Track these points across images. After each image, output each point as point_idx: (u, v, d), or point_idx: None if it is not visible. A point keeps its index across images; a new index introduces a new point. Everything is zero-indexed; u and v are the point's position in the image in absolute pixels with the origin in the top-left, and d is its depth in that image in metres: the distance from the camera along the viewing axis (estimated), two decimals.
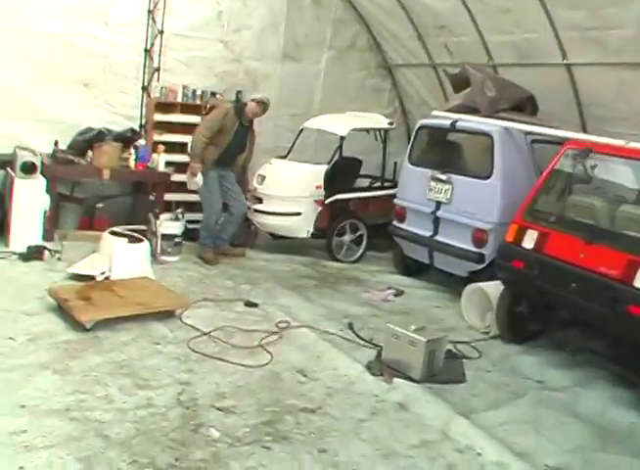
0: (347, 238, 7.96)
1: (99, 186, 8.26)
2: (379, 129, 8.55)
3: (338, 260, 7.90)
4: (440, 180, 6.77)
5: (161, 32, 8.67)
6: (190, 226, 8.07)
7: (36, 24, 7.97)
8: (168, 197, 8.34)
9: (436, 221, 6.85)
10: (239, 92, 9.02)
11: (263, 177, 7.83)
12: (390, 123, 8.59)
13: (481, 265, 6.47)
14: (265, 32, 9.37)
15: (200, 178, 7.17)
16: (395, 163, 9.04)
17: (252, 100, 7.45)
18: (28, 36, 7.92)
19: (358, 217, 8.08)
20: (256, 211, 7.83)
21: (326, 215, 7.83)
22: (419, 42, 9.30)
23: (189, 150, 7.35)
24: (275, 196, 7.71)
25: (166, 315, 5.46)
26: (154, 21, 8.63)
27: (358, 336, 5.54)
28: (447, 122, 6.92)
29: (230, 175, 7.50)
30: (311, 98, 9.89)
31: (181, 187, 7.91)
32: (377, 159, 8.95)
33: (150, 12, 8.60)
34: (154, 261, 6.96)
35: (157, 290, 5.80)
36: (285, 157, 8.31)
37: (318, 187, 7.74)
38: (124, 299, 5.43)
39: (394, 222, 7.41)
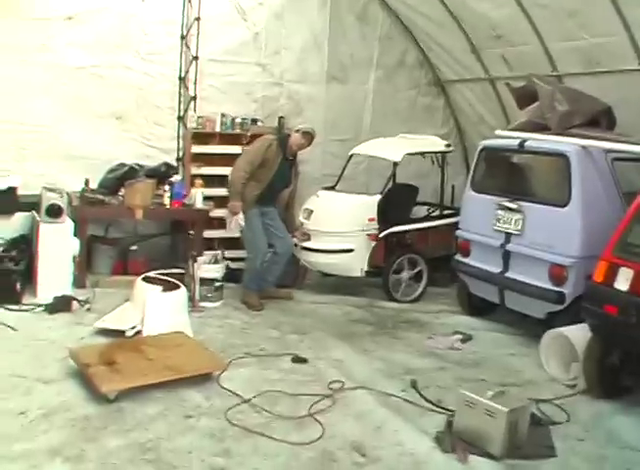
0: (406, 275, 7.17)
1: (135, 226, 7.72)
2: (435, 153, 7.77)
3: (395, 300, 7.11)
4: (509, 209, 5.94)
5: (196, 58, 8.11)
6: (233, 265, 7.46)
7: (64, 58, 7.53)
8: (209, 234, 7.74)
9: (507, 256, 6.01)
10: (281, 118, 8.40)
11: (310, 211, 7.13)
12: (448, 146, 7.81)
13: (561, 306, 5.60)
14: (307, 53, 8.72)
15: (241, 218, 6.52)
16: (453, 186, 8.33)
17: (297, 131, 6.79)
18: (56, 70, 7.49)
19: (417, 251, 7.28)
20: (304, 248, 7.14)
21: (381, 251, 7.06)
22: (473, 55, 8.52)
23: (228, 186, 6.70)
24: (324, 231, 7.00)
25: (202, 378, 4.77)
26: (187, 47, 8.08)
27: (423, 397, 4.74)
28: (514, 143, 6.09)
29: (273, 212, 6.85)
30: (360, 121, 9.19)
31: (223, 223, 7.27)
32: (433, 184, 8.29)
33: (183, 38, 8.06)
34: (192, 309, 6.32)
35: (191, 348, 5.12)
36: (333, 187, 7.61)
37: (371, 220, 7.00)
38: (154, 362, 4.76)
39: (458, 257, 6.60)
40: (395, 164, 7.19)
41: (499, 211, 6.04)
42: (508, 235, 5.98)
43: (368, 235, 6.95)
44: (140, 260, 7.29)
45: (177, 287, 6.09)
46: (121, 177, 6.89)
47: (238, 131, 8.13)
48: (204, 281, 6.48)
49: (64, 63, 7.50)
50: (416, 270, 7.21)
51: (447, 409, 4.50)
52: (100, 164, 7.50)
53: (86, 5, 7.56)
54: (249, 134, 8.00)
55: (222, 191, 7.51)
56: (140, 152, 7.94)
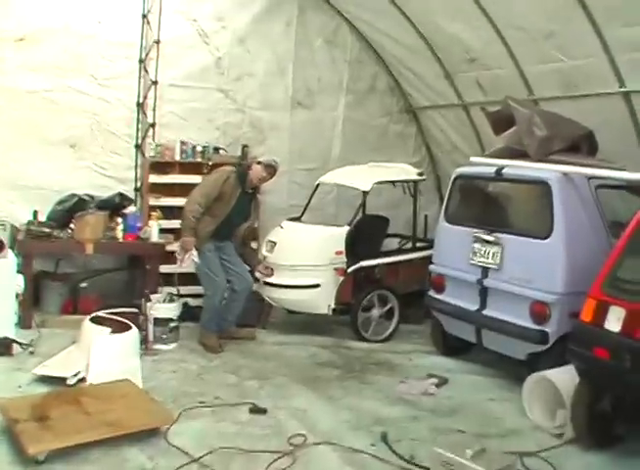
0: (376, 313, 6.69)
1: (88, 261, 7.20)
2: (407, 181, 7.37)
3: (365, 340, 6.62)
4: (486, 241, 5.53)
5: (155, 83, 7.69)
6: (192, 302, 6.96)
7: (14, 81, 7.11)
8: (168, 268, 7.22)
9: (484, 292, 5.59)
10: (245, 147, 7.97)
11: (273, 244, 6.66)
12: (420, 174, 7.41)
13: (544, 347, 5.17)
14: (271, 78, 8.34)
15: (195, 255, 6.03)
16: (426, 217, 7.97)
17: (259, 163, 6.32)
18: (6, 94, 7.07)
19: (387, 287, 6.81)
20: (267, 284, 6.65)
21: (349, 287, 6.59)
22: (446, 80, 8.17)
23: (181, 220, 6.20)
24: (288, 266, 6.52)
25: (148, 434, 4.24)
26: (146, 71, 7.67)
27: (395, 453, 4.24)
28: (491, 170, 5.69)
29: (229, 246, 6.38)
30: (328, 149, 8.79)
31: None
32: (405, 214, 7.88)
33: (141, 61, 7.63)
34: (145, 352, 5.81)
35: (137, 399, 4.59)
36: (299, 218, 7.17)
37: (339, 253, 6.54)
38: (92, 416, 4.22)
39: (431, 293, 6.17)
40: (365, 193, 6.79)
41: (475, 244, 5.63)
42: (485, 269, 5.56)
43: (335, 269, 6.51)
44: (92, 298, 6.75)
45: (128, 328, 5.60)
46: (70, 209, 6.38)
47: (199, 160, 7.70)
48: (158, 321, 5.96)
49: (14, 86, 7.08)
50: (387, 307, 6.75)
51: (421, 467, 4.02)
52: (52, 195, 7.04)
53: (39, 25, 7.14)
54: (210, 163, 7.57)
55: None
56: (95, 182, 7.48)
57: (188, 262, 5.98)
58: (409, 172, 7.33)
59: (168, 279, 7.29)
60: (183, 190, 7.33)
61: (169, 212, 7.54)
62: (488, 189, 6.02)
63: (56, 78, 7.22)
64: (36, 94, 7.16)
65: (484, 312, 5.59)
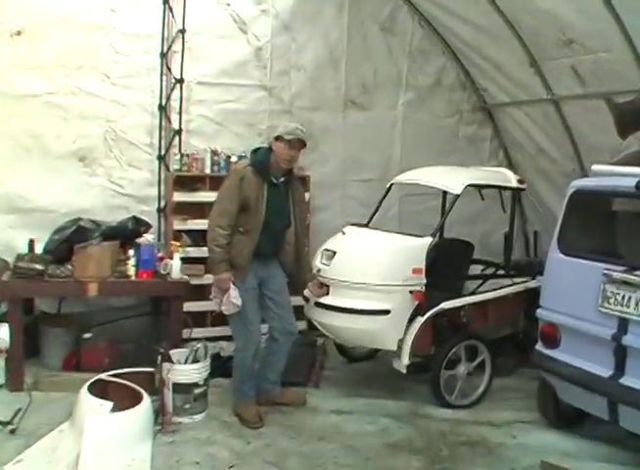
0: (463, 369, 5.11)
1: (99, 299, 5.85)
2: (504, 188, 5.76)
3: (449, 405, 5.05)
4: (625, 283, 3.96)
5: (181, 82, 6.34)
6: (226, 349, 5.59)
7: (10, 83, 5.85)
8: (199, 306, 5.91)
9: (622, 352, 3.99)
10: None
11: (331, 254, 5.10)
12: (521, 181, 5.78)
13: None
14: (322, 72, 6.94)
15: (234, 295, 4.55)
16: (506, 236, 6.38)
17: (277, 138, 4.65)
18: (1, 100, 5.79)
19: (476, 334, 5.24)
20: (319, 305, 5.07)
21: (427, 335, 5.04)
22: (532, 69, 6.64)
23: (208, 255, 4.77)
24: (349, 283, 4.92)
25: None
26: (169, 67, 6.31)
27: None
28: (628, 183, 4.09)
29: (275, 275, 4.85)
30: (387, 156, 7.35)
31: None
32: (480, 232, 6.86)
33: (163, 55, 6.29)
34: (161, 428, 4.41)
35: None
36: (366, 225, 5.65)
37: (417, 271, 4.92)
38: None
39: (539, 346, 4.61)
40: (456, 196, 5.25)
41: (608, 286, 4.05)
42: (624, 322, 3.97)
43: (411, 292, 4.93)
44: (100, 350, 5.37)
45: (138, 399, 4.22)
46: (70, 239, 5.01)
47: None
48: (179, 387, 4.54)
49: (10, 89, 5.83)
50: (477, 361, 5.19)
51: None
52: (58, 219, 5.76)
53: (39, 16, 5.88)
54: None
55: None
56: (110, 202, 6.23)
57: (228, 306, 4.54)
58: (507, 178, 5.73)
59: (200, 320, 6.04)
60: None
61: (199, 237, 6.18)
62: (624, 209, 4.43)
63: (60, 78, 5.98)
64: (37, 98, 5.92)
65: (622, 381, 4.00)
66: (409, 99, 7.41)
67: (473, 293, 5.37)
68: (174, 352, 4.73)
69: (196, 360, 4.68)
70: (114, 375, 4.57)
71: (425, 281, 4.90)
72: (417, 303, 4.91)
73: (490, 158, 7.90)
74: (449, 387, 5.06)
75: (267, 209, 4.56)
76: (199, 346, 4.70)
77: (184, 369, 4.56)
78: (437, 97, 7.57)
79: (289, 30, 6.68)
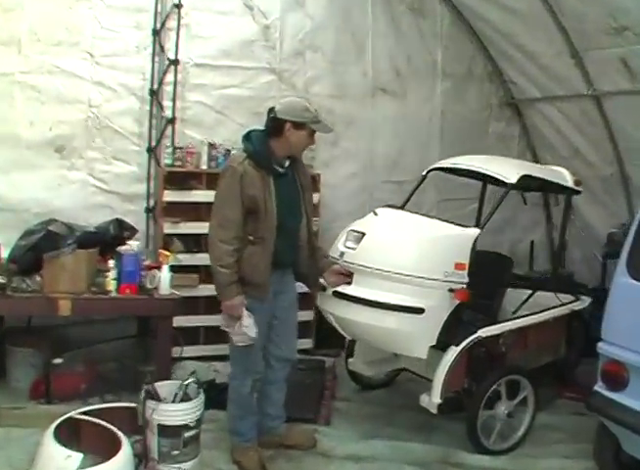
0: (503, 409, 4.30)
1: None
2: (559, 188, 4.95)
3: (486, 451, 4.27)
4: None
5: (175, 63, 5.54)
6: (222, 372, 4.84)
7: None
8: (192, 321, 5.18)
9: None
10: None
11: (360, 235, 4.21)
12: (577, 183, 4.93)
13: None
14: (344, 55, 6.13)
15: (249, 324, 3.67)
16: (532, 244, 6.28)
17: (297, 126, 3.70)
18: None
19: (519, 368, 4.45)
20: (338, 295, 4.15)
21: (461, 368, 4.23)
22: (572, 60, 5.87)
23: (214, 278, 3.76)
24: (378, 271, 4.03)
25: None
26: (162, 47, 5.51)
27: None
28: None
29: (288, 288, 4.00)
30: (424, 153, 6.47)
31: (211, 304, 4.66)
32: (509, 241, 6.38)
33: (156, 32, 5.49)
34: None
35: None
36: (401, 208, 4.82)
37: (460, 267, 4.07)
38: None
39: (600, 388, 3.84)
40: (511, 186, 4.42)
41: None
42: None
43: (451, 291, 4.06)
44: (76, 374, 4.58)
45: (116, 446, 3.43)
46: (37, 246, 4.19)
47: None
48: (166, 430, 3.74)
49: None
50: (518, 399, 4.42)
51: None
52: (30, 220, 4.88)
53: None
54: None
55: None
56: (92, 200, 5.47)
57: (241, 337, 3.71)
58: (564, 177, 4.88)
59: (194, 335, 5.38)
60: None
61: (193, 243, 5.43)
62: None
63: (35, 56, 5.18)
64: (7, 77, 5.12)
65: None
66: (445, 89, 6.62)
67: (514, 317, 4.59)
68: (161, 386, 3.92)
69: (187, 397, 3.89)
70: (88, 412, 3.78)
71: (467, 280, 4.07)
72: (457, 303, 4.05)
73: (518, 158, 7.07)
74: (486, 429, 4.23)
75: (279, 207, 3.69)
76: (190, 380, 3.90)
77: (172, 409, 3.74)
78: (471, 89, 6.79)
79: (302, 6, 5.89)
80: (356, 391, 5.17)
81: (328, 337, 5.93)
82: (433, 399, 4.11)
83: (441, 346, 4.17)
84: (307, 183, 4.00)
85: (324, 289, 4.21)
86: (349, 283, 4.11)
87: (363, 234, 4.19)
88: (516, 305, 4.79)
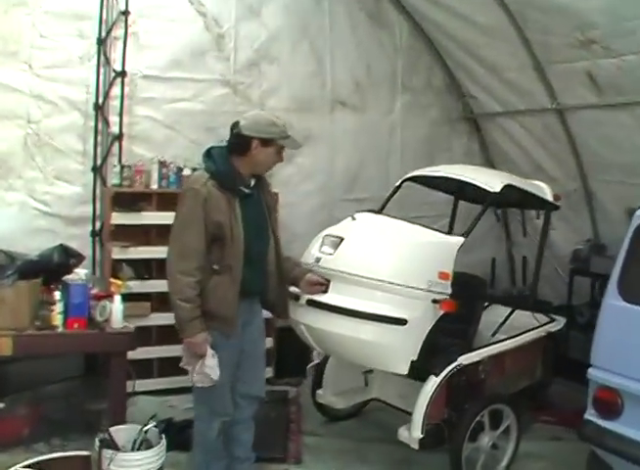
0: (487, 440, 4.02)
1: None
2: (541, 202, 4.71)
3: None
4: None
5: (122, 75, 5.15)
6: (183, 411, 4.46)
7: None
8: (143, 353, 4.73)
9: None
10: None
11: (337, 240, 3.88)
12: (557, 198, 4.75)
13: None
14: (301, 66, 5.86)
15: (212, 364, 3.30)
16: (494, 260, 6.15)
17: (265, 142, 3.37)
18: None
19: (503, 396, 4.20)
20: (313, 304, 3.79)
21: (441, 398, 3.98)
22: (535, 73, 5.72)
23: (174, 314, 3.35)
24: (358, 279, 3.70)
25: None
26: (107, 58, 5.12)
27: None
28: None
29: (256, 318, 3.63)
30: (385, 170, 6.24)
31: (165, 333, 4.60)
32: (480, 261, 6.05)
33: (101, 42, 5.10)
34: None
35: None
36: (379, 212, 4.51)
37: (444, 276, 3.82)
38: None
39: (592, 416, 3.62)
40: (495, 194, 4.19)
41: None
42: None
43: (435, 302, 3.79)
44: (18, 418, 4.11)
45: None
46: None
47: None
48: None
49: None
50: (501, 429, 4.17)
51: None
52: None
53: None
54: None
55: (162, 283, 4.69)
56: (32, 224, 5.02)
57: (202, 377, 3.33)
58: (544, 191, 4.71)
59: (145, 369, 4.96)
60: (164, 235, 4.90)
61: (143, 268, 5.05)
62: None
63: None
64: None
65: None
66: (405, 102, 6.39)
67: (493, 342, 4.35)
68: (117, 431, 3.52)
69: (147, 443, 3.48)
70: (35, 464, 3.34)
71: (450, 291, 3.81)
72: (440, 315, 3.79)
73: None
74: (470, 462, 3.96)
75: (246, 231, 3.34)
76: (150, 425, 3.50)
77: (132, 458, 3.36)
78: (431, 102, 6.57)
79: (257, 15, 5.58)
80: (323, 423, 4.85)
81: (288, 365, 5.67)
82: (413, 434, 3.83)
83: (416, 374, 3.91)
84: (273, 203, 3.71)
85: (297, 298, 3.85)
86: (325, 291, 3.77)
87: (341, 239, 3.87)
88: (489, 328, 4.56)
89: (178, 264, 3.25)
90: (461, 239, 3.97)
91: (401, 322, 3.68)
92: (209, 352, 3.28)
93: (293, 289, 3.82)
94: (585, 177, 5.95)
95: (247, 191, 3.41)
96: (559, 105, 5.73)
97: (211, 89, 5.52)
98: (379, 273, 3.70)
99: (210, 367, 3.27)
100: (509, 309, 4.69)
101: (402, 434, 3.92)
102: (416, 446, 3.83)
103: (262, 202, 3.55)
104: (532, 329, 4.59)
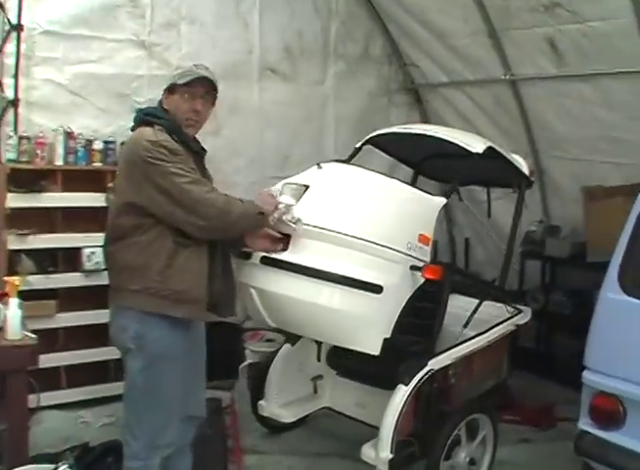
0: (464, 456, 3.51)
1: None
2: (519, 177, 4.25)
3: None
4: None
5: (18, 28, 4.28)
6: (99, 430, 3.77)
7: None
8: (48, 360, 3.97)
9: None
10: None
11: (302, 189, 3.17)
12: (532, 173, 4.36)
13: None
14: (226, 29, 5.14)
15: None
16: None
17: (169, 90, 2.84)
18: None
19: (480, 405, 3.68)
20: (269, 262, 3.06)
21: (410, 407, 3.41)
22: (490, 41, 5.27)
23: (230, 217, 2.68)
24: (326, 233, 3.02)
25: None
26: (2, 8, 4.24)
27: None
28: None
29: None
30: (318, 144, 5.68)
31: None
32: None
33: None
34: None
35: None
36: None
37: (424, 240, 3.24)
38: None
39: (586, 426, 3.14)
40: (477, 156, 3.69)
41: None
42: None
43: (414, 269, 3.20)
44: None
45: None
46: None
47: (98, 165, 4.42)
48: None
49: None
50: (478, 440, 3.67)
51: None
52: None
53: None
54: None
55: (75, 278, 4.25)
56: None
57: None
58: (521, 163, 4.25)
59: (51, 379, 4.22)
60: (71, 220, 4.16)
61: (48, 260, 4.27)
62: None
63: None
64: None
65: None
66: (339, 71, 5.82)
67: (463, 340, 3.81)
68: None
69: None
70: None
71: (430, 258, 3.26)
72: (419, 284, 3.22)
73: None
74: None
75: None
76: (63, 467, 2.76)
77: None
78: (368, 71, 6.03)
79: None
80: (264, 435, 4.23)
81: (217, 365, 4.98)
82: (381, 455, 3.25)
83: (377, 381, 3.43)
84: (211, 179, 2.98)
85: (248, 256, 3.13)
86: (284, 249, 3.05)
87: (306, 187, 3.19)
88: (453, 323, 4.04)
89: (199, 190, 2.62)
90: (443, 199, 3.41)
91: (376, 289, 3.03)
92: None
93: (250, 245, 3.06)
94: (537, 153, 5.64)
95: (197, 150, 2.81)
96: (513, 75, 5.34)
97: (123, 50, 4.74)
98: (352, 229, 3.04)
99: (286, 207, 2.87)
100: (469, 299, 4.20)
101: (367, 453, 3.35)
102: (385, 469, 3.25)
103: (206, 170, 2.91)
104: (502, 322, 4.09)
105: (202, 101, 2.80)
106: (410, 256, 3.15)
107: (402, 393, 3.31)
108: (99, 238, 4.22)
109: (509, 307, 4.22)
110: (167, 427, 2.78)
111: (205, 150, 2.91)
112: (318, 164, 3.42)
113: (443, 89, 6.10)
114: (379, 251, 3.04)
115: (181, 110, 2.75)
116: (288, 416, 3.89)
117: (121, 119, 4.65)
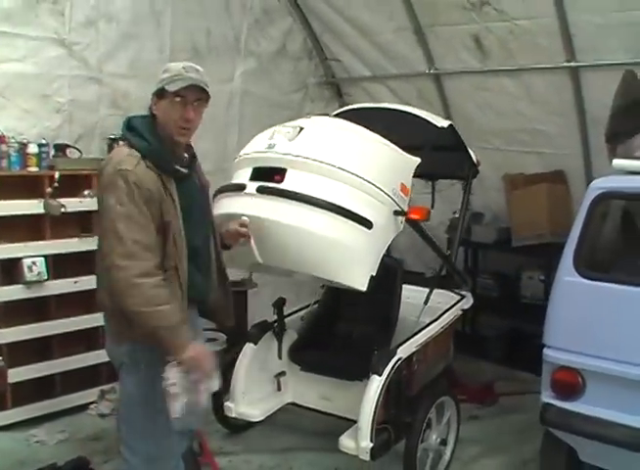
0: (435, 437, 3.70)
1: None
2: (469, 163, 4.49)
3: None
4: None
5: None
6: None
7: None
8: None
9: None
10: (112, 141, 4.54)
11: (297, 129, 3.24)
12: (478, 163, 4.56)
13: None
14: (141, 26, 4.97)
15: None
16: None
17: (158, 95, 2.63)
18: None
19: (445, 387, 3.89)
20: (265, 191, 3.11)
21: (385, 395, 3.51)
22: (415, 36, 5.45)
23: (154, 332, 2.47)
24: (322, 165, 3.11)
25: None
26: None
27: None
28: None
29: (198, 332, 2.86)
30: (223, 142, 5.60)
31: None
32: None
33: None
34: None
35: None
36: None
37: (404, 190, 3.38)
38: None
39: (549, 399, 3.37)
40: (441, 129, 3.94)
41: None
42: None
43: (397, 214, 3.31)
44: None
45: None
46: None
47: (33, 170, 4.22)
48: None
49: None
50: (444, 421, 3.84)
51: None
52: None
53: None
54: (57, 174, 4.14)
55: (17, 290, 4.07)
56: None
57: (202, 395, 2.54)
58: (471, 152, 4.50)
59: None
60: (8, 229, 3.98)
61: None
62: None
63: None
64: None
65: None
66: (248, 69, 5.76)
67: (422, 327, 3.96)
68: None
69: None
70: None
71: (406, 208, 3.39)
72: (400, 229, 3.37)
73: None
74: (420, 464, 3.61)
75: (187, 223, 2.62)
76: None
77: None
78: (282, 67, 6.04)
79: None
80: (227, 436, 4.21)
81: None
82: (362, 444, 3.35)
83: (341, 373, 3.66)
84: (207, 184, 2.93)
85: (242, 188, 3.22)
86: (282, 179, 3.12)
87: (301, 128, 3.25)
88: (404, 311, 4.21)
89: (131, 269, 2.41)
90: (418, 159, 3.53)
91: (367, 224, 3.11)
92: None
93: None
94: None
95: (182, 170, 2.66)
96: (437, 70, 5.55)
97: (44, 49, 4.47)
98: (347, 164, 3.13)
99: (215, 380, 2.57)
100: (416, 288, 4.38)
101: (346, 444, 3.43)
102: (367, 458, 3.36)
103: (197, 184, 2.81)
104: (450, 307, 4.29)
105: (193, 107, 2.66)
106: (394, 201, 3.28)
107: (377, 383, 3.42)
108: (39, 247, 4.15)
109: (446, 293, 4.43)
110: (165, 438, 2.72)
111: (195, 158, 2.80)
112: (307, 114, 3.67)
113: (366, 83, 6.21)
114: (371, 189, 3.16)
115: (172, 117, 2.61)
116: (257, 415, 3.85)
117: (47, 120, 4.53)
